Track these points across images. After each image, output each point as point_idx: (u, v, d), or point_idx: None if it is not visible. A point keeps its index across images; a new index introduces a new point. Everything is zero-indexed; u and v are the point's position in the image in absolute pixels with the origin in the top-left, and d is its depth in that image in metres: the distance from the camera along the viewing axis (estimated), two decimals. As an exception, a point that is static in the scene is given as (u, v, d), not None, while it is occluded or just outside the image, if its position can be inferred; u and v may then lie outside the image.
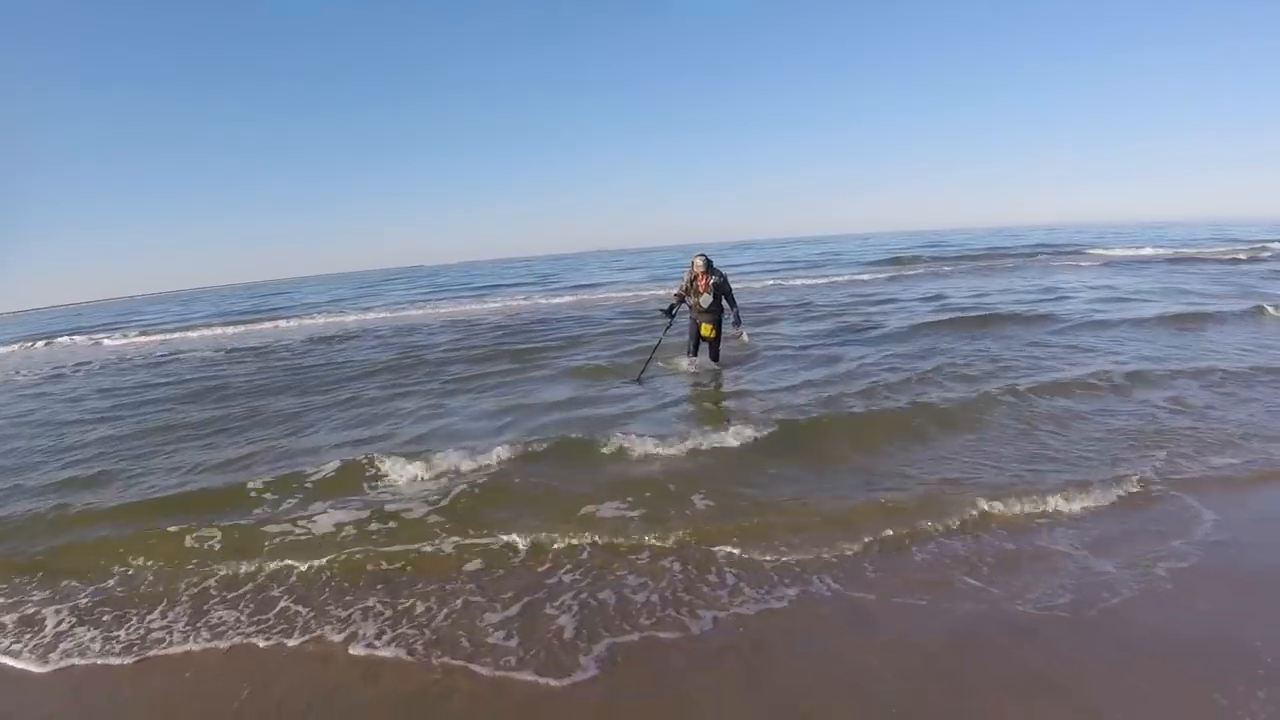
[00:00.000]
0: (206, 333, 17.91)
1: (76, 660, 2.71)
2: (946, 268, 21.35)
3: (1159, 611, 2.57)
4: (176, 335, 17.90)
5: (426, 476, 4.19)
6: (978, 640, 2.46)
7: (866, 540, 3.16)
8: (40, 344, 19.05)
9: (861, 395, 5.50)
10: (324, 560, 3.27)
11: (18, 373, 12.33)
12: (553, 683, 2.36)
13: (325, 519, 3.70)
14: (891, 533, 3.21)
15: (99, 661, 2.69)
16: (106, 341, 17.96)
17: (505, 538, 3.35)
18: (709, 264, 6.47)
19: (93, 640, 2.82)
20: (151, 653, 2.72)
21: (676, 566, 3.05)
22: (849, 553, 3.08)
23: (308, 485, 4.24)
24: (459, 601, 2.89)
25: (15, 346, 18.98)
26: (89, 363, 12.77)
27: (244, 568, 3.28)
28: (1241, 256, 19.50)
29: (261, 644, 2.71)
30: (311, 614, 2.88)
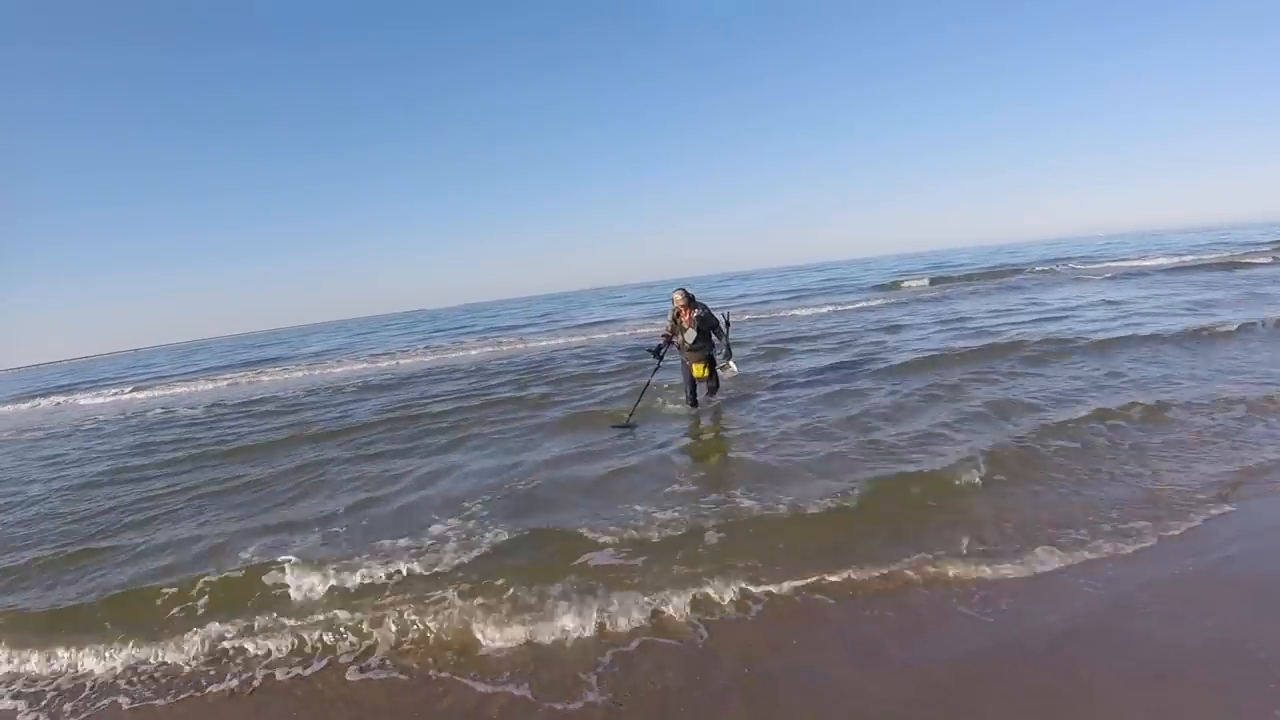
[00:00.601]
0: (208, 386, 17.76)
1: None
2: (951, 290, 21.23)
3: (1168, 630, 2.52)
4: (177, 390, 17.77)
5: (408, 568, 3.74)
6: (986, 665, 2.43)
7: (873, 575, 3.11)
8: (23, 405, 18.99)
9: (873, 442, 5.07)
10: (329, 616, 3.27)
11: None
12: (556, 707, 2.41)
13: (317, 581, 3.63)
14: (897, 568, 3.14)
15: None
16: (92, 400, 17.84)
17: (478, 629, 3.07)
18: (690, 298, 6.24)
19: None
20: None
21: (673, 609, 2.99)
22: (853, 587, 3.04)
23: (305, 557, 3.94)
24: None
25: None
26: (85, 421, 12.68)
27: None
28: (1264, 260, 19.19)
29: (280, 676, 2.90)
30: (319, 633, 3.12)
